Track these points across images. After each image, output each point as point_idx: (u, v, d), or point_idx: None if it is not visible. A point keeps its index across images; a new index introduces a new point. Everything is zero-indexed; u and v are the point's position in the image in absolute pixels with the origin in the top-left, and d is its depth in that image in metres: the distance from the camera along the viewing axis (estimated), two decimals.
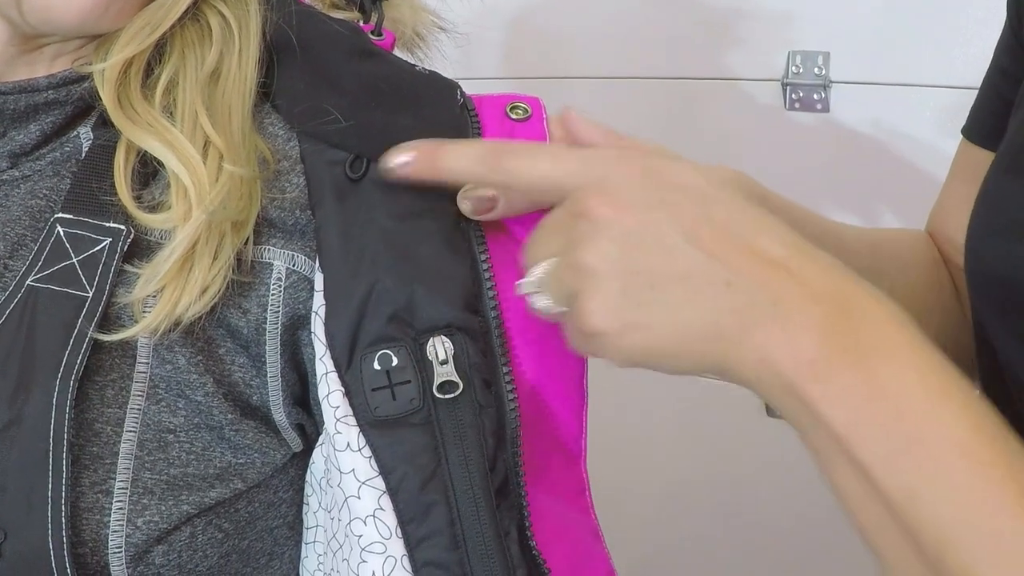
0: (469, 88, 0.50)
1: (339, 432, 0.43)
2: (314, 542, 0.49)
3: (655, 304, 0.37)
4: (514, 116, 0.49)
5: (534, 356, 0.45)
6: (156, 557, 0.43)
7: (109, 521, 0.42)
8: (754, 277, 0.36)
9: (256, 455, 0.47)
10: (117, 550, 0.42)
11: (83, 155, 0.47)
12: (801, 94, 1.08)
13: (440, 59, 0.57)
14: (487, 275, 0.45)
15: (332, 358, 0.44)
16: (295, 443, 0.49)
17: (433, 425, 0.43)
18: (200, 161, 0.44)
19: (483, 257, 0.45)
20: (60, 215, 0.44)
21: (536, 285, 0.41)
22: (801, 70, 1.07)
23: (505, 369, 0.44)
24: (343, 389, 0.44)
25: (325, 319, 0.44)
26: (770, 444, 1.20)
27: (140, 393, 0.44)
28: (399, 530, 0.42)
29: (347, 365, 0.44)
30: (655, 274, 0.37)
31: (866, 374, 0.34)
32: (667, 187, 0.39)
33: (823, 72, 1.07)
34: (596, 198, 0.38)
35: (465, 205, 0.45)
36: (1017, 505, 0.31)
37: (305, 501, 0.50)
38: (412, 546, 0.42)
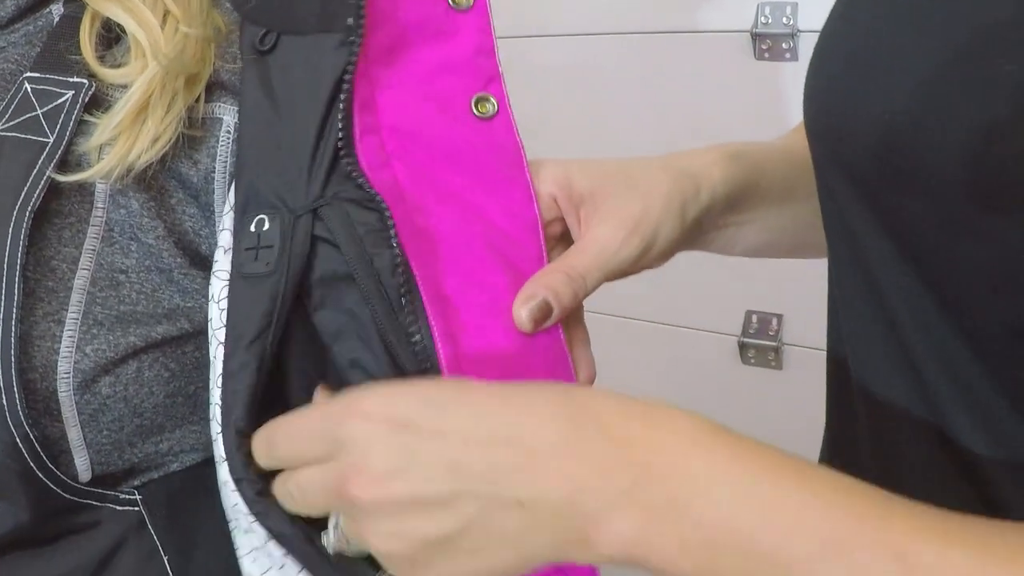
0: None
1: (211, 284, 0.46)
2: None
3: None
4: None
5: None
6: (103, 387, 0.46)
7: (59, 348, 0.45)
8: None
9: (204, 300, 0.49)
10: (65, 376, 0.45)
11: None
12: (770, 43, 1.10)
13: None
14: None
15: (232, 216, 0.47)
16: None
17: (278, 290, 0.44)
18: (157, 25, 0.48)
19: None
20: (29, 74, 0.48)
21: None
22: (770, 20, 1.10)
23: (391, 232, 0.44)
24: (226, 246, 0.46)
25: (236, 176, 0.47)
26: (757, 426, 1.21)
27: (96, 235, 0.47)
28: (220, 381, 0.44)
29: (240, 224, 0.46)
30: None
31: (691, 522, 0.33)
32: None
33: (791, 22, 1.09)
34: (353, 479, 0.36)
35: (522, 315, 0.45)
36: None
37: None
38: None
